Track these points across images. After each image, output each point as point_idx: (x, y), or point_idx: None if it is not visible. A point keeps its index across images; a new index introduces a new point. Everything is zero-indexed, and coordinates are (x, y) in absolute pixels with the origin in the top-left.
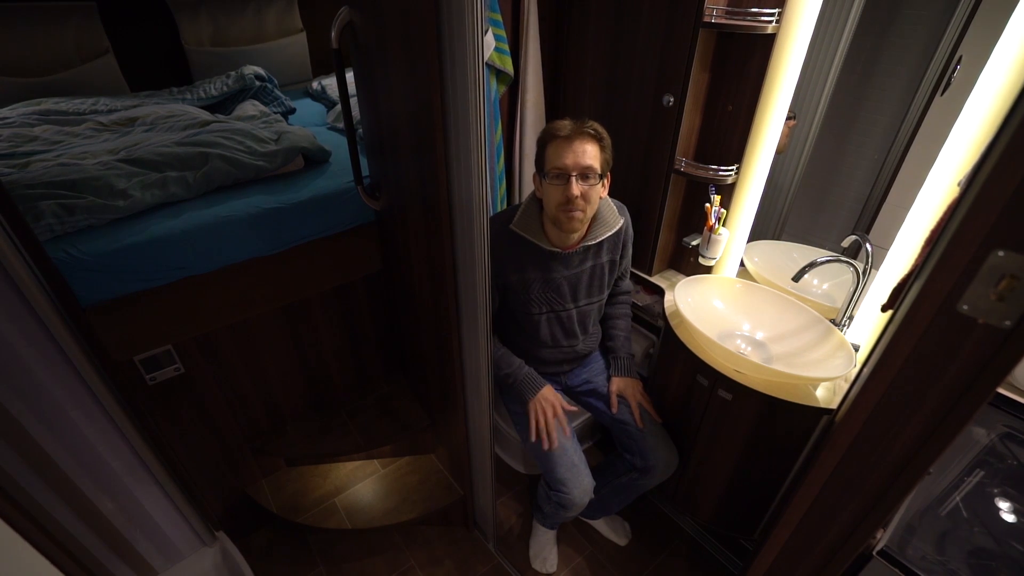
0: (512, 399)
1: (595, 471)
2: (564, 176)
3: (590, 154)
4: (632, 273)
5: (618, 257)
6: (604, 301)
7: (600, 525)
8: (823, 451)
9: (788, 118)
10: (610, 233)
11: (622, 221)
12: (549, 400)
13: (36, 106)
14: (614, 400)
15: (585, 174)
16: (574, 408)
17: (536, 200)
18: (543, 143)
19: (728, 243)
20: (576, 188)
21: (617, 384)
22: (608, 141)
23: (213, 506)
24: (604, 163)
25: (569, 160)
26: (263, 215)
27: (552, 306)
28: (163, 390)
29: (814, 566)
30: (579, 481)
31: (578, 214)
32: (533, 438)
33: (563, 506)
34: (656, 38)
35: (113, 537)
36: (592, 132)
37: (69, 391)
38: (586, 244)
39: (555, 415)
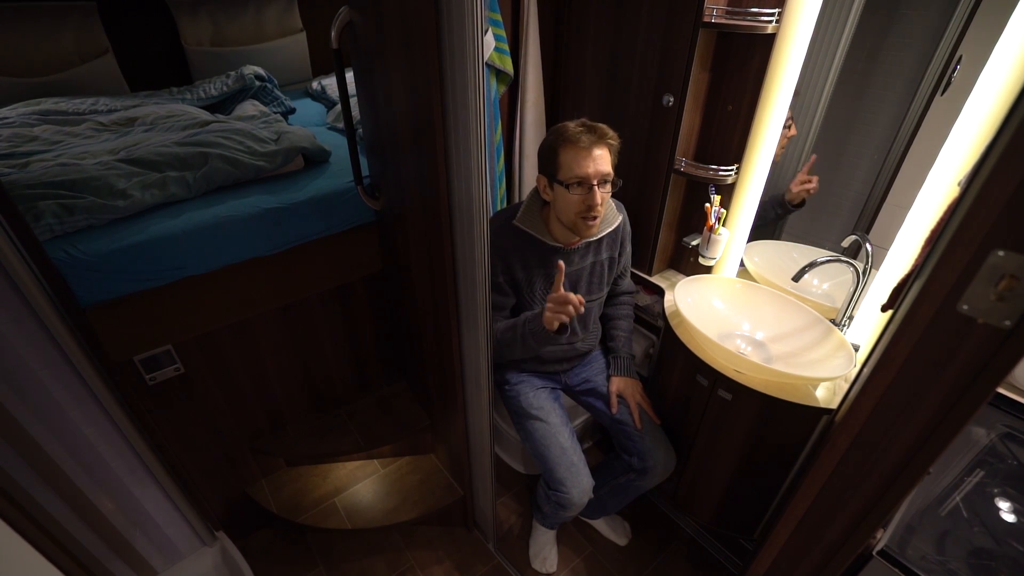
0: (515, 397)
1: (594, 471)
2: (587, 185)
3: (607, 160)
4: (632, 273)
5: (617, 254)
6: (604, 299)
7: (600, 525)
8: (823, 451)
9: (786, 126)
10: (609, 229)
11: (620, 218)
12: (548, 307)
13: (36, 106)
14: (614, 400)
15: (604, 180)
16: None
17: (538, 197)
18: (555, 148)
19: (728, 243)
20: (600, 197)
21: (617, 384)
22: (617, 144)
23: (213, 506)
24: (614, 166)
25: (591, 169)
26: (263, 215)
27: None
28: (163, 390)
29: (814, 566)
30: (578, 481)
31: (598, 220)
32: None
33: (562, 506)
34: (656, 38)
35: (113, 537)
36: (609, 140)
37: (69, 391)
38: (587, 240)
39: (568, 303)
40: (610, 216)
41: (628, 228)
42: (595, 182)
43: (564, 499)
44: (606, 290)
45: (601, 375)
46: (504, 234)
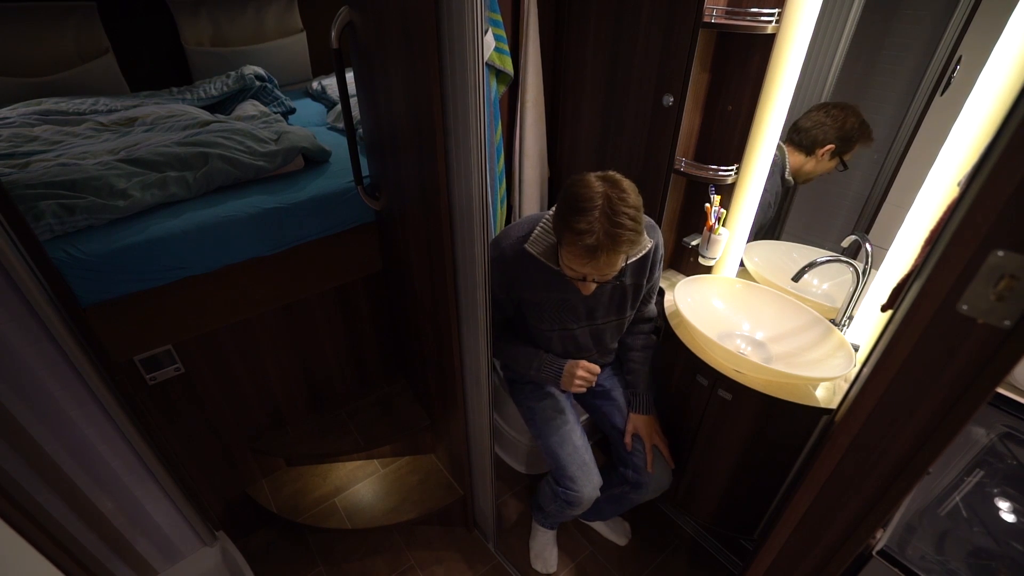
0: (529, 393)
1: None
2: (580, 275)
3: (615, 264)
4: None
5: (644, 281)
6: (626, 321)
7: (600, 525)
8: (823, 451)
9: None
10: (638, 256)
11: (652, 243)
12: (577, 374)
13: (36, 106)
14: (628, 440)
15: (603, 276)
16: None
17: (552, 224)
18: (565, 223)
19: (728, 243)
20: (591, 288)
21: (634, 422)
22: (642, 226)
23: (213, 506)
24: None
25: (589, 270)
26: (263, 215)
27: (564, 324)
28: (163, 390)
29: (814, 566)
30: (589, 479)
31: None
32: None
33: (570, 503)
34: (656, 38)
35: (113, 537)
36: (623, 248)
37: (69, 391)
38: None
39: (587, 375)
40: (641, 240)
41: (661, 251)
42: (591, 280)
43: (573, 497)
44: (630, 313)
45: (607, 380)
46: (513, 255)
